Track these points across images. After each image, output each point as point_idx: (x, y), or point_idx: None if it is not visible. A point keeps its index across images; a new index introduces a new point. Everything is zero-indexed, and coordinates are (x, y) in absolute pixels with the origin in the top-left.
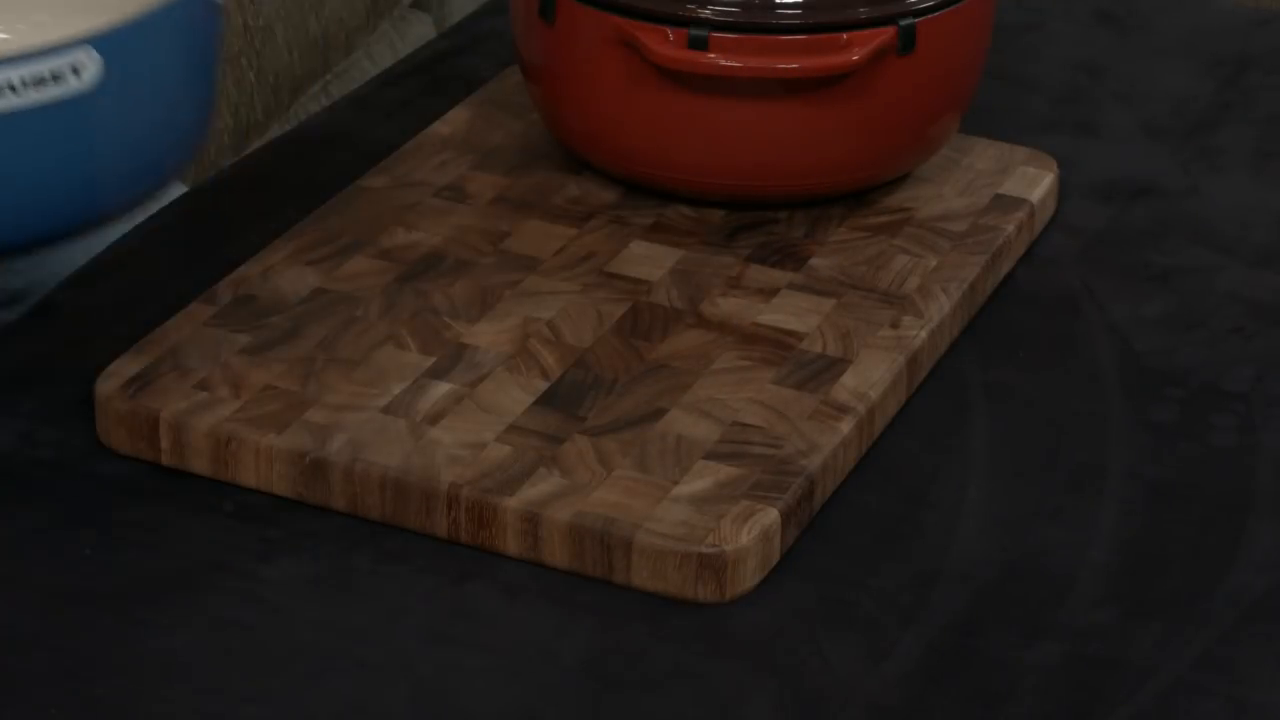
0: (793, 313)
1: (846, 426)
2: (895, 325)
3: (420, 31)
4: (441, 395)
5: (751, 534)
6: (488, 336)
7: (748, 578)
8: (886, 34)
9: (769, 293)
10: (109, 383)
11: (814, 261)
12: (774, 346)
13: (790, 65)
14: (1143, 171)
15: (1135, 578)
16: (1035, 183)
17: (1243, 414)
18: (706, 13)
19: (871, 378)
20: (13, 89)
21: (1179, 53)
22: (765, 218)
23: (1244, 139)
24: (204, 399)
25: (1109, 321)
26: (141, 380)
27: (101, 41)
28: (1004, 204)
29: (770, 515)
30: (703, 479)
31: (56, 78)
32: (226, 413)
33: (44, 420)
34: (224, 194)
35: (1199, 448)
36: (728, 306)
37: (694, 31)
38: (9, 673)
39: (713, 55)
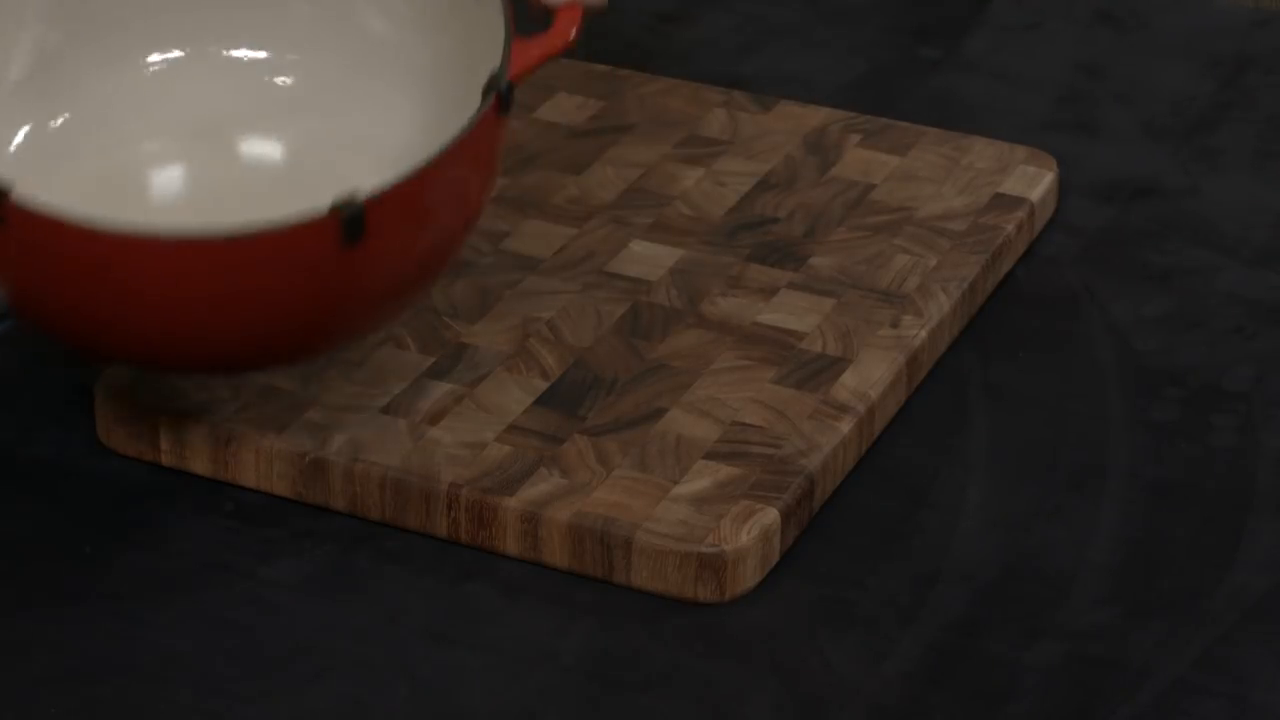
0: (792, 312)
1: (846, 426)
2: (895, 325)
3: None
4: (441, 395)
5: (751, 534)
6: (488, 336)
7: (747, 578)
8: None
9: (769, 292)
10: (109, 383)
11: (814, 261)
12: (774, 346)
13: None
14: (1143, 171)
15: (1135, 578)
16: (1035, 182)
17: (1243, 414)
18: None
19: (871, 377)
20: None
21: (1179, 53)
22: (765, 217)
23: (1244, 139)
24: (204, 399)
25: (1109, 321)
26: (141, 380)
27: None
28: (1004, 203)
29: (770, 515)
30: (702, 479)
31: None
32: (226, 413)
33: (44, 420)
34: None
35: (1199, 448)
36: (727, 306)
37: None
38: (9, 673)
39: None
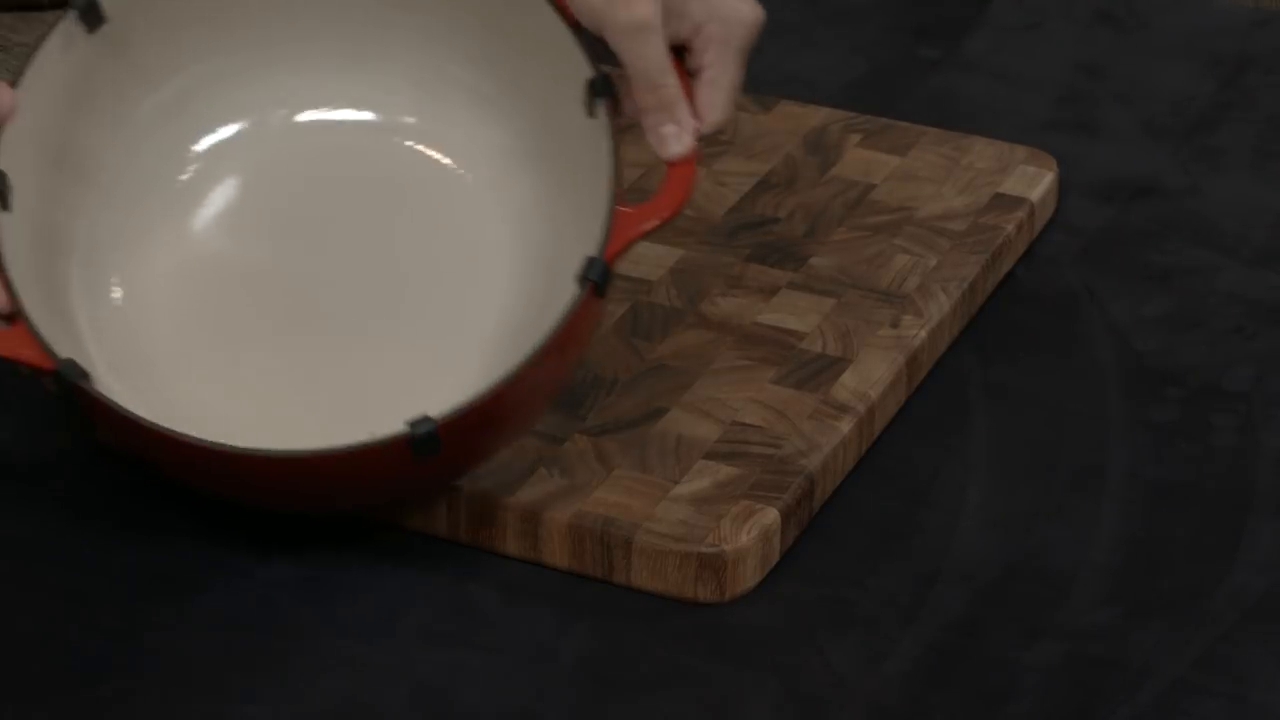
0: (792, 312)
1: (846, 426)
2: (895, 324)
3: None
4: None
5: (751, 534)
6: None
7: (748, 578)
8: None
9: (769, 292)
10: None
11: (814, 261)
12: (774, 346)
13: None
14: (1143, 171)
15: (1135, 578)
16: (1035, 182)
17: (1243, 414)
18: None
19: (871, 377)
20: None
21: (1179, 53)
22: (765, 217)
23: (1244, 139)
24: None
25: (1109, 321)
26: None
27: None
28: (1004, 203)
29: (770, 515)
30: (702, 479)
31: None
32: None
33: (44, 420)
34: None
35: (1199, 448)
36: (728, 306)
37: None
38: (9, 673)
39: None
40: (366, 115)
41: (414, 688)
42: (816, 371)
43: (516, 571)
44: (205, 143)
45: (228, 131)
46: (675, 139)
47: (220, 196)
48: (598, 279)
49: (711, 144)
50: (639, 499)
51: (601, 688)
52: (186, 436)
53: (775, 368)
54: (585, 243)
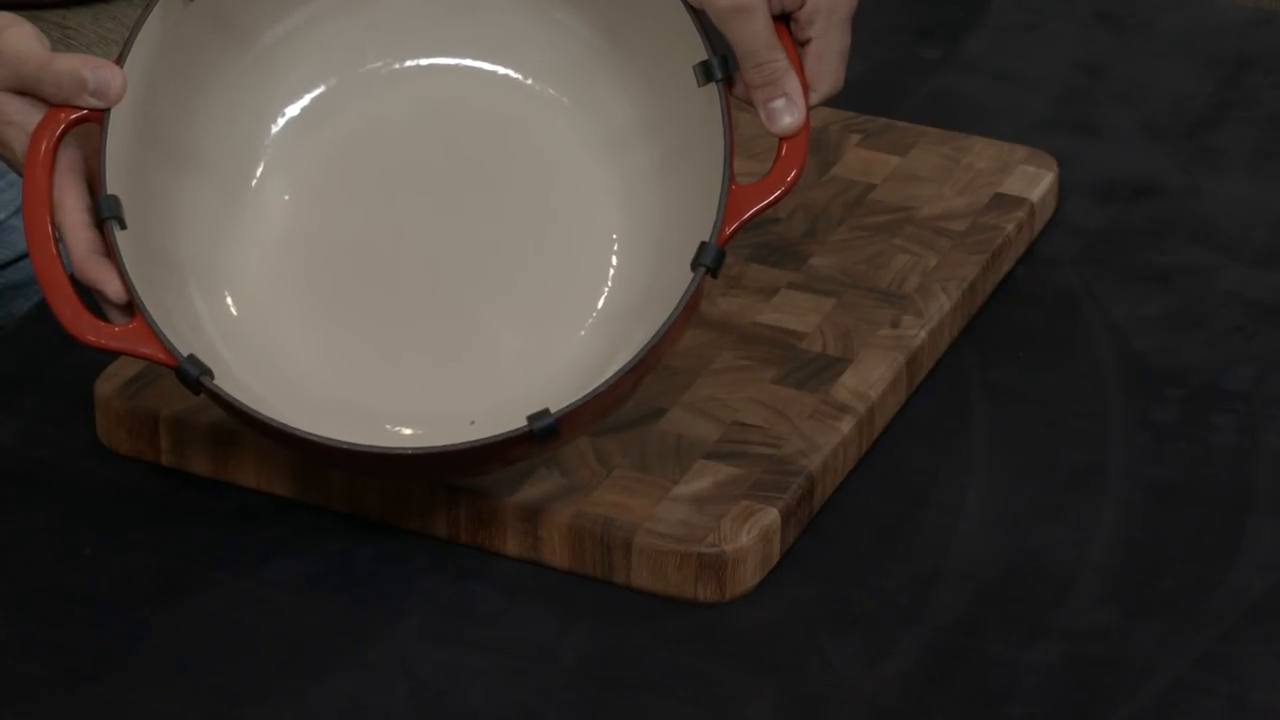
0: (792, 312)
1: (846, 426)
2: (895, 325)
3: None
4: None
5: (751, 534)
6: None
7: (748, 578)
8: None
9: (769, 292)
10: (109, 383)
11: (814, 261)
12: (774, 346)
13: None
14: (1143, 171)
15: (1135, 578)
16: (1035, 182)
17: (1243, 414)
18: None
19: (871, 377)
20: None
21: (1179, 53)
22: (765, 217)
23: (1244, 139)
24: (204, 399)
25: (1109, 321)
26: (141, 380)
27: None
28: (1004, 203)
29: (770, 515)
30: (702, 479)
31: None
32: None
33: (44, 420)
34: None
35: (1199, 448)
36: (728, 306)
37: None
38: (9, 673)
39: None
40: (465, 63)
41: (414, 688)
42: (816, 371)
43: (516, 571)
44: (295, 107)
45: (317, 90)
46: (786, 111)
47: (316, 167)
48: (711, 264)
49: None
50: (639, 499)
51: (601, 688)
52: (314, 435)
53: (775, 368)
54: (696, 218)
